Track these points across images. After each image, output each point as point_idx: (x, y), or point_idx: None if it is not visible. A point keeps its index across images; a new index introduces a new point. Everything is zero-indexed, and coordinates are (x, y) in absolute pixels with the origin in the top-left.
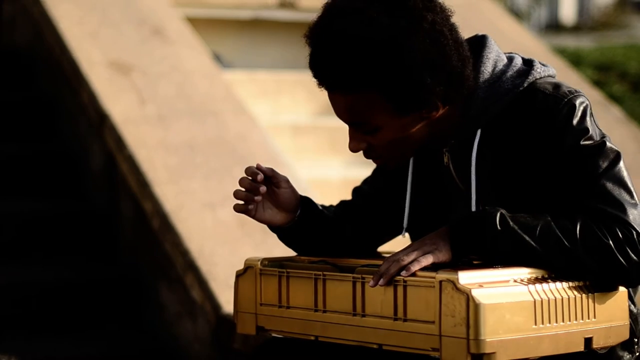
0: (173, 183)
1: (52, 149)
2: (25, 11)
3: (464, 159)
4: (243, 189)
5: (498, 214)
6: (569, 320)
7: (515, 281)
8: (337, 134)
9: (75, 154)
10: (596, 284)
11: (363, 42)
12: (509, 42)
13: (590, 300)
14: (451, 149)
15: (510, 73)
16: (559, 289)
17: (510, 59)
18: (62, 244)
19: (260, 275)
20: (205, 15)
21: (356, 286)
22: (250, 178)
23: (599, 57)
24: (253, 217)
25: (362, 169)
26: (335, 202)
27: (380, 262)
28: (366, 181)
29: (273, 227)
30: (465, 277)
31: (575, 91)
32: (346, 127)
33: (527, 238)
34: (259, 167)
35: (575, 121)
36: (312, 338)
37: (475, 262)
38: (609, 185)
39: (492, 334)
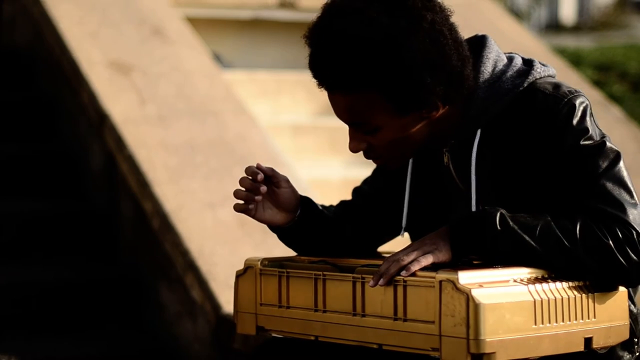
0: (173, 183)
1: (52, 149)
2: (25, 11)
3: (464, 159)
4: (243, 189)
5: (498, 214)
6: (569, 320)
7: (515, 281)
8: (337, 134)
9: (75, 154)
10: (596, 284)
11: (363, 42)
12: (509, 42)
13: (590, 300)
14: (451, 149)
15: (510, 73)
16: (559, 289)
17: (510, 59)
18: (62, 244)
19: (260, 275)
20: (205, 15)
21: (356, 286)
22: (250, 178)
23: (599, 57)
24: (253, 217)
25: (362, 169)
26: (335, 202)
27: (380, 262)
28: (366, 181)
29: (273, 227)
30: (465, 277)
31: (575, 91)
32: (346, 127)
33: (527, 238)
34: (259, 167)
35: (575, 121)
36: (312, 338)
37: (475, 262)
38: (609, 185)
39: (492, 333)
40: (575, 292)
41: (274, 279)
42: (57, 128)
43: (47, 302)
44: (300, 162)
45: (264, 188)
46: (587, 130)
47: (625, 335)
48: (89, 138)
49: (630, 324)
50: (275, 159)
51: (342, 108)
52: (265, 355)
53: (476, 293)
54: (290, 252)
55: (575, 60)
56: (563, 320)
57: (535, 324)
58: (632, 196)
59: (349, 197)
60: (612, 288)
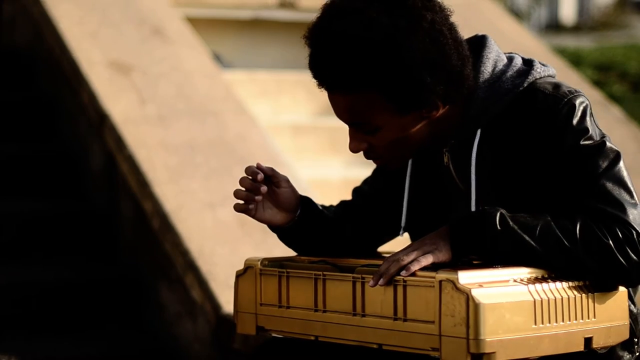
0: (173, 183)
1: (52, 149)
2: (25, 11)
3: (464, 159)
4: (243, 189)
5: (498, 214)
6: (569, 320)
7: (515, 281)
8: (337, 134)
9: (75, 154)
10: (596, 284)
11: (363, 42)
12: (509, 42)
13: (590, 300)
14: (451, 149)
15: (510, 73)
16: (559, 289)
17: (510, 59)
18: (62, 244)
19: (260, 275)
20: (205, 15)
21: (356, 286)
22: (250, 178)
23: (599, 57)
24: (253, 216)
25: (362, 169)
26: (335, 202)
27: (380, 262)
28: (366, 181)
29: (273, 227)
30: (465, 277)
31: (575, 91)
32: (346, 127)
33: (527, 238)
34: (259, 167)
35: (575, 121)
36: (312, 338)
37: (475, 262)
38: (609, 185)
39: (491, 333)
40: (575, 292)
41: (274, 279)
42: (57, 128)
43: (47, 302)
44: (300, 162)
45: (264, 188)
46: (587, 130)
47: (625, 335)
48: (89, 138)
49: (630, 324)
50: (275, 159)
51: (342, 108)
52: (265, 355)
53: (476, 293)
54: (290, 252)
55: (575, 60)
56: (563, 320)
57: (535, 323)
58: (632, 196)
59: (349, 197)
60: (612, 288)
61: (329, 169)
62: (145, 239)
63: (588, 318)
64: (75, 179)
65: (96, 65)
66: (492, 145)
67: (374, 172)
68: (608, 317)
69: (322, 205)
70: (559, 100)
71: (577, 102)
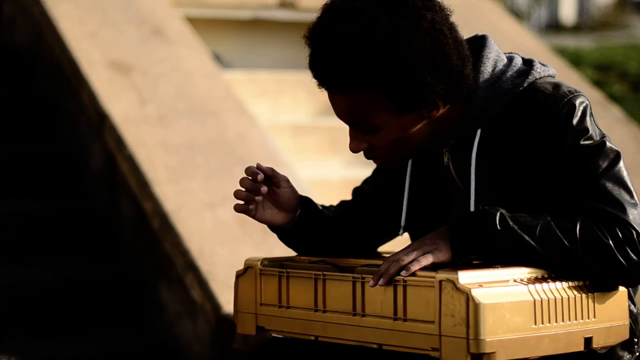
0: (173, 183)
1: (52, 149)
2: (25, 11)
3: (464, 158)
4: (243, 189)
5: (498, 214)
6: (569, 320)
7: (515, 281)
8: (337, 134)
9: (75, 154)
10: (596, 283)
11: (363, 42)
12: (509, 42)
13: (590, 300)
14: (451, 149)
15: (510, 73)
16: (559, 289)
17: (510, 59)
18: (62, 244)
19: (260, 275)
20: (205, 15)
21: (356, 286)
22: (250, 178)
23: (599, 57)
24: (253, 217)
25: (362, 169)
26: (335, 202)
27: (380, 262)
28: (366, 181)
29: (273, 227)
30: (465, 277)
31: (575, 91)
32: (346, 127)
33: (527, 238)
34: (259, 167)
35: (575, 121)
36: (312, 338)
37: (475, 262)
38: (609, 185)
39: (491, 333)
40: (575, 292)
41: (274, 279)
42: (57, 128)
43: (47, 302)
44: (300, 162)
45: (264, 188)
46: (587, 130)
47: (625, 335)
48: (89, 138)
49: (630, 324)
50: (275, 159)
51: (342, 108)
52: (265, 355)
53: (476, 293)
54: (290, 252)
55: (575, 60)
56: (563, 320)
57: (535, 323)
58: (632, 196)
59: (349, 197)
60: (612, 288)
61: (329, 169)
62: (145, 239)
63: (588, 318)
64: (75, 179)
65: (96, 65)
66: (492, 145)
67: (374, 172)
68: (608, 317)
69: (322, 205)
70: (559, 100)
71: (577, 102)
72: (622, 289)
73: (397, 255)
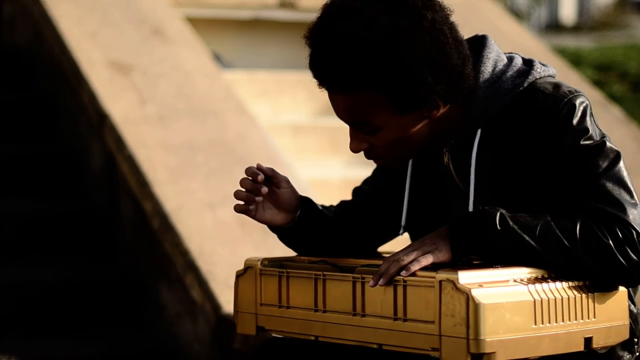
0: (173, 183)
1: (52, 149)
2: (25, 11)
3: (464, 158)
4: (244, 190)
5: (498, 214)
6: (569, 320)
7: (515, 281)
8: (337, 134)
9: (75, 154)
10: (596, 283)
11: (363, 41)
12: (509, 42)
13: (590, 300)
14: (451, 149)
15: (510, 73)
16: (559, 289)
17: (510, 59)
18: (62, 244)
19: (260, 275)
20: (205, 15)
21: (356, 286)
22: (250, 179)
23: (599, 57)
24: (253, 217)
25: (362, 169)
26: (335, 202)
27: (380, 262)
28: (366, 181)
29: (273, 228)
30: (465, 277)
31: (575, 91)
32: (346, 126)
33: (527, 238)
34: (259, 167)
35: (575, 121)
36: (312, 338)
37: (475, 262)
38: (609, 185)
39: (491, 333)
40: (575, 292)
41: (274, 279)
42: (57, 128)
43: (47, 302)
44: (300, 162)
45: (265, 189)
46: (587, 130)
47: (625, 335)
48: (89, 138)
49: (630, 324)
50: (275, 159)
51: (342, 108)
52: (265, 355)
53: (476, 293)
54: (290, 252)
55: (575, 60)
56: (563, 320)
57: (535, 323)
58: (632, 196)
59: (349, 197)
60: (612, 288)
61: (329, 169)
62: (145, 239)
63: (588, 318)
64: (75, 179)
65: (96, 65)
66: (492, 145)
67: (374, 172)
68: (608, 317)
69: (322, 206)
70: (559, 100)
71: (577, 102)
72: (622, 289)
73: (397, 255)
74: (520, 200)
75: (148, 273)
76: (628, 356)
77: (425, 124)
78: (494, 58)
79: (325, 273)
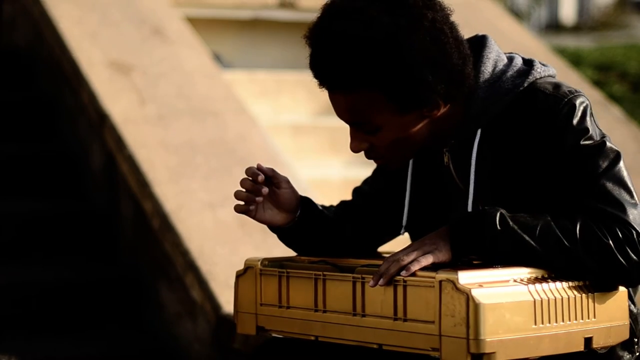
0: (173, 183)
1: (52, 149)
2: (25, 11)
3: (464, 158)
4: (244, 190)
5: (498, 214)
6: (569, 320)
7: (515, 281)
8: (337, 133)
9: (75, 154)
10: (596, 284)
11: (363, 41)
12: (509, 42)
13: (590, 300)
14: (451, 149)
15: (510, 73)
16: (559, 289)
17: (511, 59)
18: (62, 244)
19: (260, 276)
20: (205, 15)
21: (356, 286)
22: (251, 179)
23: (599, 57)
24: (253, 217)
25: (362, 169)
26: (335, 202)
27: (380, 262)
28: (366, 181)
29: (273, 228)
30: (465, 277)
31: (576, 91)
32: (346, 126)
33: (527, 238)
34: (259, 168)
35: (575, 121)
36: (312, 338)
37: (475, 262)
38: (609, 185)
39: (492, 333)
40: (575, 292)
41: (274, 279)
42: (57, 128)
43: (47, 302)
44: (300, 162)
45: (265, 190)
46: (587, 130)
47: (625, 335)
48: (89, 138)
49: (630, 324)
50: (275, 159)
51: (343, 108)
52: (265, 355)
53: (476, 293)
54: (290, 252)
55: (575, 60)
56: (563, 320)
57: (535, 324)
58: (632, 196)
59: (349, 197)
60: (612, 288)
61: (329, 169)
62: (145, 239)
63: (588, 318)
64: (75, 179)
65: (96, 65)
66: (492, 145)
67: (374, 172)
68: (608, 317)
69: (322, 206)
70: (559, 100)
71: (578, 102)
72: (622, 289)
73: (397, 255)
74: (520, 200)
75: (148, 273)
76: (628, 356)
77: (426, 124)
78: (494, 58)
79: (325, 273)
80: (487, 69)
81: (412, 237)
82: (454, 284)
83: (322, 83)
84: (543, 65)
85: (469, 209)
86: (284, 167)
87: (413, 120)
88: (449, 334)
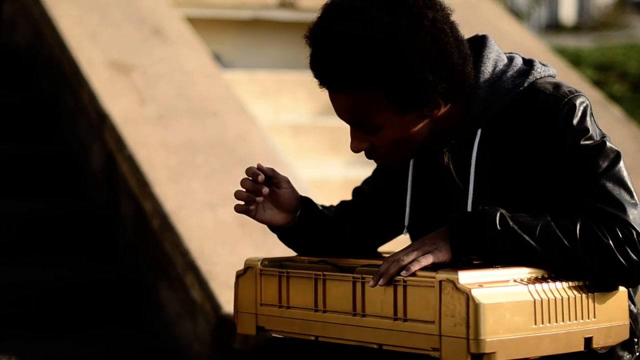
0: (173, 183)
1: (52, 149)
2: (25, 11)
3: (464, 158)
4: (244, 190)
5: (498, 214)
6: (569, 320)
7: (515, 281)
8: (337, 133)
9: (75, 154)
10: (596, 284)
11: (364, 41)
12: (509, 42)
13: (590, 300)
14: (451, 148)
15: (510, 73)
16: (559, 289)
17: (511, 59)
18: (62, 244)
19: (260, 276)
20: (205, 15)
21: (356, 286)
22: (251, 179)
23: (599, 57)
24: (253, 217)
25: (362, 169)
26: (335, 202)
27: (380, 262)
28: (366, 181)
29: (273, 228)
30: (465, 277)
31: (576, 91)
32: (346, 126)
33: (527, 238)
34: (259, 168)
35: (575, 121)
36: (312, 338)
37: (475, 262)
38: (609, 185)
39: (492, 333)
40: (575, 292)
41: (274, 279)
42: (57, 128)
43: (47, 302)
44: (301, 162)
45: (265, 190)
46: (587, 130)
47: (625, 335)
48: (89, 138)
49: (630, 324)
50: (275, 159)
51: (343, 108)
52: (265, 355)
53: (476, 293)
54: (290, 252)
55: (575, 60)
56: (563, 320)
57: (535, 323)
58: (632, 196)
59: (349, 197)
60: (612, 288)
61: (329, 169)
62: (145, 239)
63: (588, 318)
64: (75, 179)
65: (96, 65)
66: (492, 145)
67: (374, 172)
68: (608, 317)
69: (322, 206)
70: (559, 100)
71: (578, 102)
72: (622, 289)
73: (397, 255)
74: (520, 200)
75: (148, 273)
76: (628, 356)
77: (426, 124)
78: (494, 58)
79: (325, 273)
80: (487, 68)
81: (412, 237)
82: (454, 284)
83: (323, 83)
84: (543, 65)
85: (469, 209)
86: (284, 167)
87: (413, 120)
88: (449, 334)
